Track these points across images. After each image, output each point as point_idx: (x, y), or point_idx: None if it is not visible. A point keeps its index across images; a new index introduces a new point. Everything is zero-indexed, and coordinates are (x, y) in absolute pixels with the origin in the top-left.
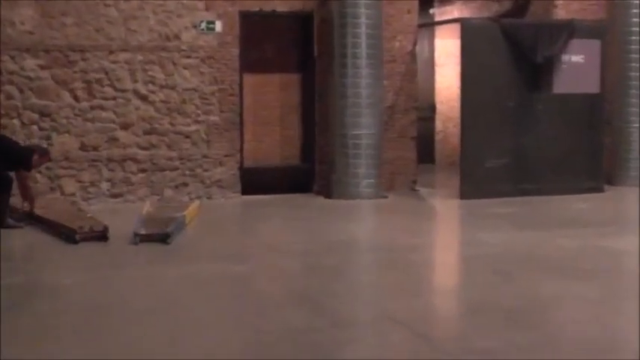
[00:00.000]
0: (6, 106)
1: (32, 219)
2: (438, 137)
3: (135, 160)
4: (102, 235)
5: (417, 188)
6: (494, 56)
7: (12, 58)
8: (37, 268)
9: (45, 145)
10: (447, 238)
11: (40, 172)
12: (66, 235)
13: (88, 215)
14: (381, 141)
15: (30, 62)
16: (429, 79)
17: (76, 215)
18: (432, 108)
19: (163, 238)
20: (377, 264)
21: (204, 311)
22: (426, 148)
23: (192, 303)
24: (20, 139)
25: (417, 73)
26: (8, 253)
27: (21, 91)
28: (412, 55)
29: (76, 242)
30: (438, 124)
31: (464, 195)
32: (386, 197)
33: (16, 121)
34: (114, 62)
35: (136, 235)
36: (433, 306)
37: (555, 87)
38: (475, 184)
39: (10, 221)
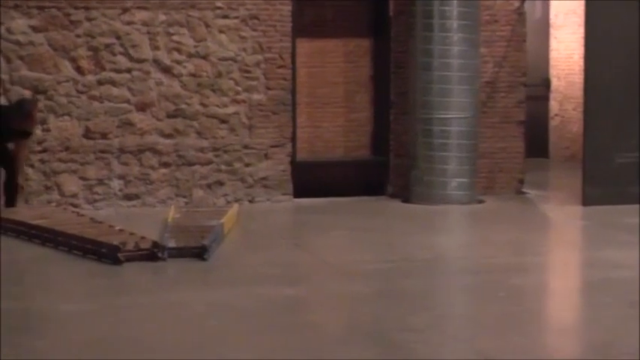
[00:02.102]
0: None
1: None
2: (553, 123)
3: (155, 152)
4: (151, 255)
5: (524, 190)
6: (632, 15)
7: None
8: (30, 291)
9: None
10: (563, 258)
11: (32, 167)
12: (97, 252)
13: (117, 228)
14: (478, 128)
15: (20, 22)
16: (541, 46)
17: (96, 228)
18: (546, 84)
19: (199, 253)
20: (469, 290)
21: (244, 350)
22: (536, 138)
23: (229, 339)
24: None
25: (525, 37)
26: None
27: (8, 61)
28: (520, 13)
29: (119, 262)
30: (554, 106)
31: (588, 200)
32: (483, 202)
33: (1, 100)
34: (128, 23)
35: (163, 248)
36: (544, 348)
37: None
38: (603, 186)
39: None
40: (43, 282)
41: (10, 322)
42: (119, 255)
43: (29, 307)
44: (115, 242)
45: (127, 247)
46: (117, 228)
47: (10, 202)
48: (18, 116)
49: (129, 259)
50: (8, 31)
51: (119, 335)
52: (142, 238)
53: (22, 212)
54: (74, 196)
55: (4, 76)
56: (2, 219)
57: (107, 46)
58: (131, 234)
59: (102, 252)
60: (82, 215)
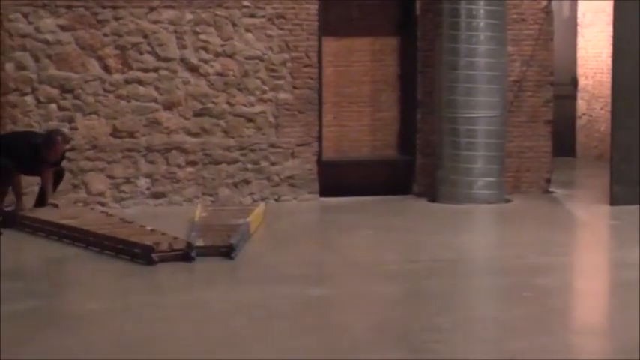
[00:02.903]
0: (17, 78)
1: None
2: (580, 122)
3: (182, 151)
4: (185, 255)
5: (551, 190)
6: None
7: (24, 16)
8: (61, 289)
9: (64, 130)
10: (590, 258)
11: None
12: (130, 253)
13: (149, 228)
14: (504, 127)
15: (48, 22)
16: (569, 45)
17: (127, 228)
18: (574, 83)
19: (227, 252)
20: (496, 291)
21: (271, 350)
22: (564, 137)
23: (256, 339)
24: (35, 120)
25: (553, 36)
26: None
27: (36, 60)
28: (547, 12)
29: (152, 263)
30: (582, 105)
31: (616, 200)
32: (509, 201)
33: (29, 98)
34: (155, 22)
35: (192, 247)
36: (570, 349)
37: None
38: (631, 186)
39: None
40: (74, 280)
41: (41, 319)
42: (153, 255)
43: (59, 305)
44: (149, 242)
45: (160, 248)
46: (148, 228)
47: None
48: (45, 147)
49: (163, 260)
50: (37, 30)
51: (146, 334)
52: (175, 238)
53: (51, 212)
54: (101, 194)
55: (33, 75)
56: (30, 218)
57: (134, 45)
58: (163, 234)
59: (135, 252)
60: (111, 215)
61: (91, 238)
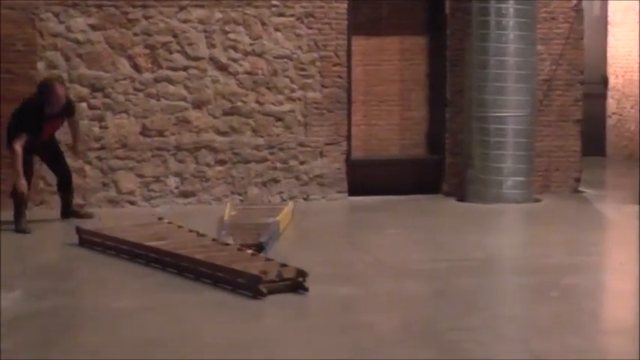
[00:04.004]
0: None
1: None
2: (610, 121)
3: (211, 149)
4: (296, 285)
5: (581, 189)
6: None
7: (55, 15)
8: (80, 289)
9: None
10: (620, 258)
11: (89, 164)
12: (233, 283)
13: (249, 252)
14: (534, 126)
15: (78, 21)
16: (599, 44)
17: (224, 250)
18: (604, 82)
19: (256, 250)
20: (525, 290)
21: (299, 349)
22: (594, 136)
23: (283, 338)
24: None
25: (583, 35)
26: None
27: (67, 59)
28: (577, 11)
29: (260, 296)
30: (612, 104)
31: None
32: (539, 201)
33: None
34: (185, 21)
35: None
36: (599, 349)
37: None
38: None
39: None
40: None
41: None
42: (260, 287)
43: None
44: (255, 272)
45: (268, 277)
46: (248, 252)
47: (67, 206)
48: (47, 100)
49: (272, 291)
50: (67, 29)
51: (172, 332)
52: (283, 266)
53: (135, 231)
54: (131, 193)
55: (64, 74)
56: (111, 238)
57: (164, 44)
58: (267, 260)
59: (238, 282)
60: (203, 235)
61: (184, 264)
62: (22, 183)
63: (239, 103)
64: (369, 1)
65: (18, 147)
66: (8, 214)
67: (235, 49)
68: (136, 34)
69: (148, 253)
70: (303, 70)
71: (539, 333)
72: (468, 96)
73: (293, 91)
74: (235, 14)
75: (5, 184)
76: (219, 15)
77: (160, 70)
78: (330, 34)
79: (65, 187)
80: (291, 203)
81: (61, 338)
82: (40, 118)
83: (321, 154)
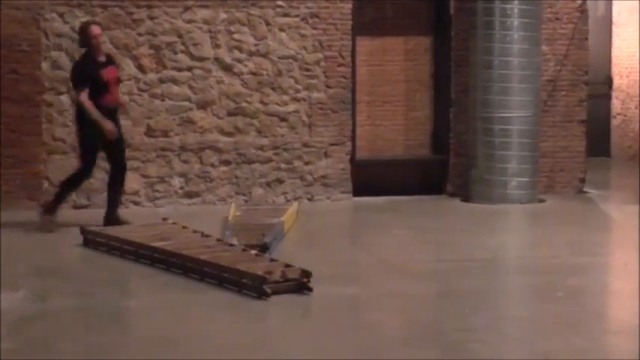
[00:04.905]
0: (53, 78)
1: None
2: (615, 122)
3: (215, 150)
4: (301, 285)
5: (585, 190)
6: None
7: (60, 15)
8: (85, 289)
9: None
10: (624, 258)
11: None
12: (237, 283)
13: (253, 252)
14: (539, 127)
15: (84, 21)
16: (604, 44)
17: (228, 251)
18: (608, 82)
19: (260, 251)
20: (529, 290)
21: (304, 349)
22: (598, 137)
23: (288, 338)
24: (70, 120)
25: (588, 35)
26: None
27: (72, 59)
28: (582, 11)
29: (265, 296)
30: (616, 105)
31: None
32: (543, 201)
33: (65, 98)
34: (190, 22)
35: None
36: (604, 349)
37: None
38: None
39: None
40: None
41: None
42: (264, 287)
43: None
44: (259, 272)
45: (273, 278)
46: (252, 252)
47: (113, 208)
48: (89, 47)
49: (276, 292)
50: (72, 29)
51: (178, 332)
52: (287, 266)
53: (137, 231)
54: (135, 193)
55: (68, 75)
56: (116, 238)
57: (169, 44)
58: (272, 260)
59: (243, 282)
60: (208, 236)
61: (189, 264)
62: (108, 124)
63: (243, 104)
64: (374, 2)
65: (84, 97)
66: (9, 215)
67: (240, 49)
68: (140, 35)
69: (152, 254)
70: (307, 70)
71: (544, 333)
72: (473, 96)
73: (297, 91)
74: (240, 15)
75: (5, 184)
76: (223, 15)
77: (165, 70)
78: (334, 35)
79: (119, 179)
80: (295, 204)
81: (66, 339)
82: (93, 65)
83: (326, 155)
